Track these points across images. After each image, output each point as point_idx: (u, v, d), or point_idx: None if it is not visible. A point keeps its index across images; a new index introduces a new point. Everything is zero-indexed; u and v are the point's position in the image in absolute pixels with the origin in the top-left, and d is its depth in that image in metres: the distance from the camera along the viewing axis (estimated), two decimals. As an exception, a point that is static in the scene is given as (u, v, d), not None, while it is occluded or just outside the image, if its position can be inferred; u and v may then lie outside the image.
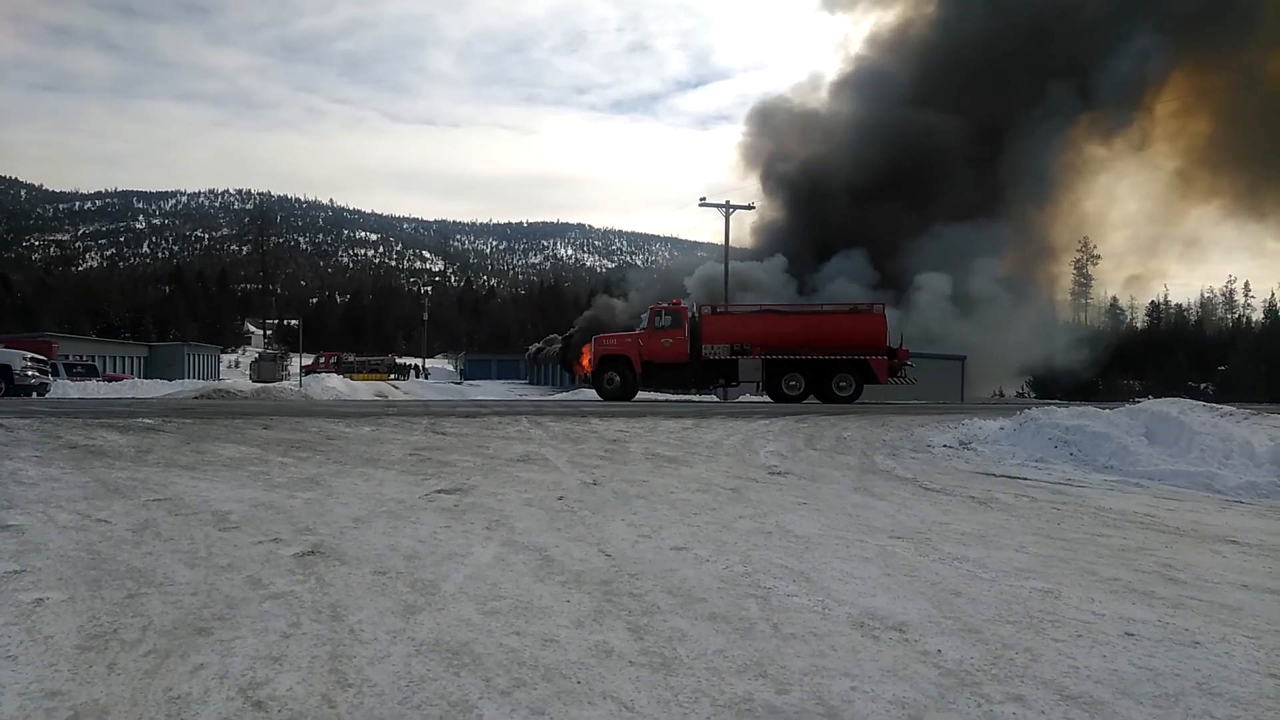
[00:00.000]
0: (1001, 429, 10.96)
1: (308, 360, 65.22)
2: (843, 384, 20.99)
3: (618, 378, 21.81)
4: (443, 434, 9.39)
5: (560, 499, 5.81)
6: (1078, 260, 71.50)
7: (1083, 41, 48.88)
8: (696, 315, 22.49)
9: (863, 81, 54.94)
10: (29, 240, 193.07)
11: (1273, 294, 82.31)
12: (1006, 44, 49.45)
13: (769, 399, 21.31)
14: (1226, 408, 10.78)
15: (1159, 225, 58.56)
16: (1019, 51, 49.18)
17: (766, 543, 4.71)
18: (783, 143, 57.98)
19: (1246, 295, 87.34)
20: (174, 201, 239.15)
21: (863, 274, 46.49)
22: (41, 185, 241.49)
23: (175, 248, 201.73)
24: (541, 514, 5.26)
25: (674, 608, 3.39)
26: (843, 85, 57.47)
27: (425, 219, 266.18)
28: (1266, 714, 2.57)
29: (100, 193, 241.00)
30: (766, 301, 30.03)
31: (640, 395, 22.65)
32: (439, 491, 5.90)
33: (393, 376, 64.61)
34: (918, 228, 47.10)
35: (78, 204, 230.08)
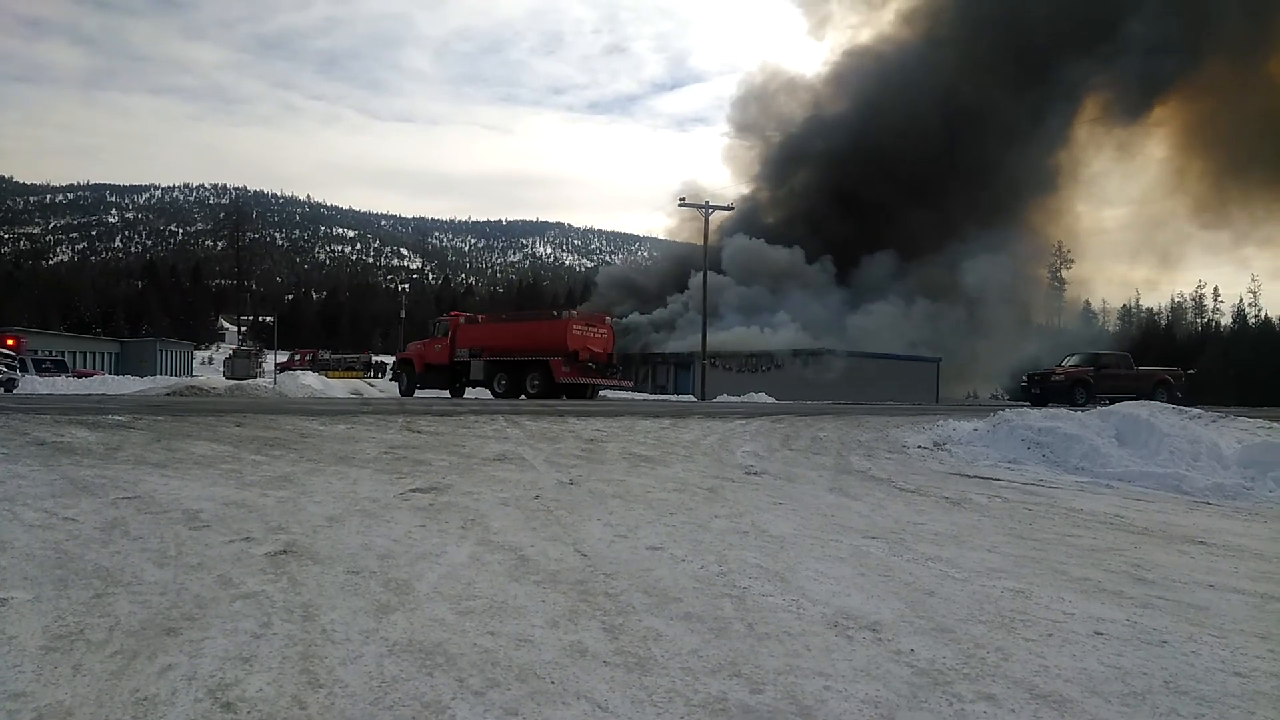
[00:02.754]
0: (975, 430, 11.07)
1: (282, 357, 64.55)
2: (536, 382, 23.05)
3: (405, 377, 26.59)
4: (418, 432, 9.33)
5: (536, 498, 5.79)
6: (1052, 264, 72.28)
7: (1092, 31, 48.56)
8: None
9: (861, 68, 54.27)
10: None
11: (1241, 299, 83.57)
12: (998, 38, 49.27)
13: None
14: (1195, 410, 10.95)
15: (1149, 227, 59.28)
16: (1016, 46, 48.96)
17: (742, 542, 4.72)
18: (783, 120, 57.71)
19: (1216, 300, 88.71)
20: (147, 195, 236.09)
21: (897, 272, 46.17)
22: (11, 177, 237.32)
23: (148, 242, 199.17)
24: (517, 513, 5.25)
25: (649, 607, 3.39)
26: (842, 70, 56.59)
27: (403, 216, 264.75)
28: (1231, 712, 2.61)
29: (72, 185, 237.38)
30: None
31: (612, 396, 25.16)
32: (414, 490, 5.87)
33: (369, 374, 64.12)
34: (931, 220, 47.08)
35: (49, 197, 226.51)
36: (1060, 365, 26.87)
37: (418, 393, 25.71)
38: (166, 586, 3.38)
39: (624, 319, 46.60)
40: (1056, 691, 2.67)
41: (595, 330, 23.95)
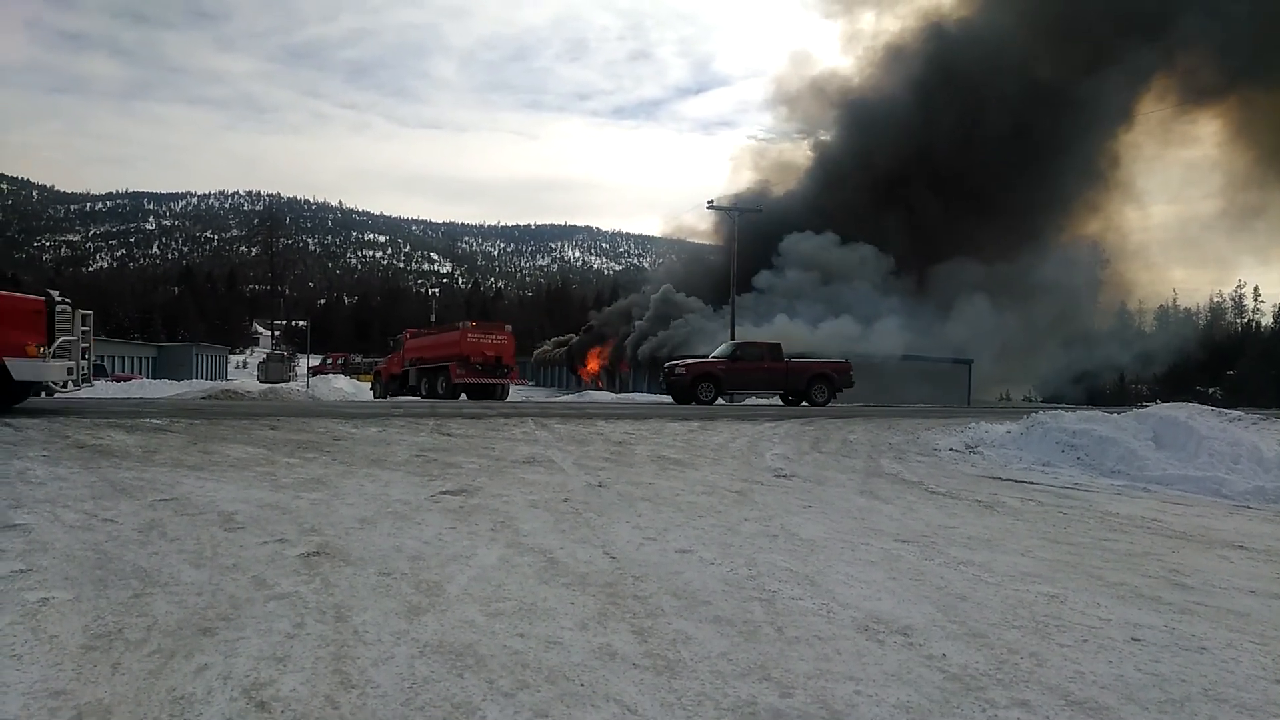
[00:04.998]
0: (1008, 433, 10.93)
1: (315, 361, 65.39)
2: (443, 383, 26.01)
3: (379, 386, 31.54)
4: (449, 435, 9.40)
5: (565, 501, 5.81)
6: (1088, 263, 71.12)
7: (1156, 17, 46.96)
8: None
9: (914, 52, 52.38)
10: (40, 241, 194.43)
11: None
12: (1061, 18, 47.86)
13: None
14: (1235, 412, 10.73)
15: (1190, 225, 57.90)
16: (1080, 27, 47.53)
17: (771, 545, 4.70)
18: (826, 113, 56.44)
19: (1256, 300, 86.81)
20: (184, 203, 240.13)
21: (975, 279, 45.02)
22: (53, 186, 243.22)
23: (185, 249, 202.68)
24: (547, 516, 5.26)
25: (678, 610, 3.39)
26: (895, 53, 54.44)
27: (433, 221, 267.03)
28: (1273, 721, 2.55)
29: (111, 194, 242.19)
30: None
31: (640, 399, 26.70)
32: (444, 493, 5.91)
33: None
34: (989, 217, 46.07)
35: (88, 205, 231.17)
36: (708, 356, 24.16)
37: (448, 401, 27.33)
38: (203, 587, 3.43)
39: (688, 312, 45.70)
40: (1092, 698, 2.63)
41: (492, 337, 26.72)
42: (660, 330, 45.56)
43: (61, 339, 9.98)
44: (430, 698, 2.45)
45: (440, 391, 25.90)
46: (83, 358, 10.49)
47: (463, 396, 24.94)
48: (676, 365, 22.96)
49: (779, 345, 23.82)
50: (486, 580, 3.72)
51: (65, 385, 10.24)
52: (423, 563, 3.97)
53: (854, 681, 2.69)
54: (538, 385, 65.66)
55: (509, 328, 28.20)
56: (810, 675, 2.73)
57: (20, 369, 9.40)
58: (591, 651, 2.88)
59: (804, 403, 22.28)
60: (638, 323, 47.96)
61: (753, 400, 26.94)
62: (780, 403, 23.20)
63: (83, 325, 10.61)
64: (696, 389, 21.41)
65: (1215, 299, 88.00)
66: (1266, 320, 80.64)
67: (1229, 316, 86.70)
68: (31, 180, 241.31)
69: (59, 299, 10.24)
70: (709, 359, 23.44)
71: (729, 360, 22.51)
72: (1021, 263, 46.01)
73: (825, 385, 22.68)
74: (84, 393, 22.77)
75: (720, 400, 22.49)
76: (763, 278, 44.43)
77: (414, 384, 28.09)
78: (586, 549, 4.40)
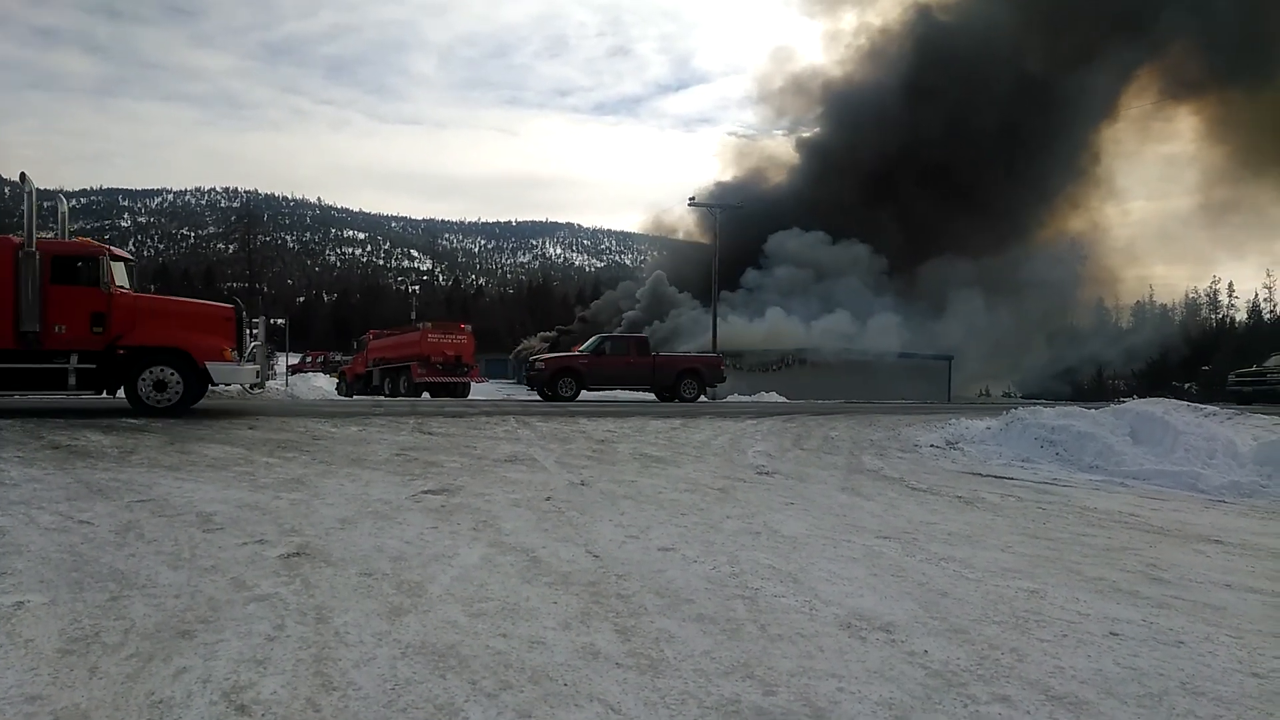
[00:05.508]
0: (988, 429, 11.02)
1: (294, 359, 64.76)
2: (405, 382, 26.08)
3: (344, 385, 31.10)
4: (430, 434, 9.35)
5: (548, 499, 5.80)
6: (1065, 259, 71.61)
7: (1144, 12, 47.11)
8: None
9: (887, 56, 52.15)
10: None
11: (1256, 294, 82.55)
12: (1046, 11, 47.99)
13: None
14: (1211, 408, 10.88)
15: (1167, 220, 58.32)
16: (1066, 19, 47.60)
17: (754, 543, 4.71)
18: (809, 106, 56.09)
19: (1230, 295, 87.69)
20: (160, 199, 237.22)
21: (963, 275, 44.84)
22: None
23: (161, 246, 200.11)
24: (529, 514, 5.25)
25: (661, 609, 3.39)
26: (878, 46, 54.02)
27: (413, 218, 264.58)
28: (1249, 713, 2.59)
29: (85, 190, 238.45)
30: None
31: (624, 396, 25.53)
32: (426, 492, 5.88)
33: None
34: (976, 213, 46.11)
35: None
36: (575, 350, 23.89)
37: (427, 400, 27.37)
38: (181, 589, 3.40)
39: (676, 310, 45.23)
40: (1072, 693, 2.66)
41: (451, 337, 26.80)
42: (655, 322, 45.17)
43: (252, 344, 10.63)
44: (412, 699, 2.43)
45: (403, 390, 25.93)
46: (263, 361, 11.16)
47: (425, 395, 24.91)
48: (537, 360, 22.50)
49: (646, 340, 23.82)
50: (469, 580, 3.70)
51: (253, 388, 10.73)
52: (404, 563, 3.95)
53: (837, 679, 2.70)
54: (519, 383, 65.28)
55: (468, 328, 28.42)
56: (793, 673, 2.74)
57: (219, 372, 10.21)
58: (575, 651, 2.87)
59: (675, 399, 21.65)
60: (627, 313, 47.53)
61: (736, 397, 27.00)
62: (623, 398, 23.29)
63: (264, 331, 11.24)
64: (557, 384, 20.93)
65: (1190, 295, 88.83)
66: (1241, 316, 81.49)
67: (1204, 312, 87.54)
68: (4, 176, 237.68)
69: (241, 305, 10.88)
70: (572, 353, 23.18)
71: (592, 355, 21.96)
72: (1006, 259, 46.31)
73: (695, 381, 22.22)
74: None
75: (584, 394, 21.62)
76: (750, 276, 44.24)
77: (377, 384, 28.39)
78: (569, 548, 4.39)
